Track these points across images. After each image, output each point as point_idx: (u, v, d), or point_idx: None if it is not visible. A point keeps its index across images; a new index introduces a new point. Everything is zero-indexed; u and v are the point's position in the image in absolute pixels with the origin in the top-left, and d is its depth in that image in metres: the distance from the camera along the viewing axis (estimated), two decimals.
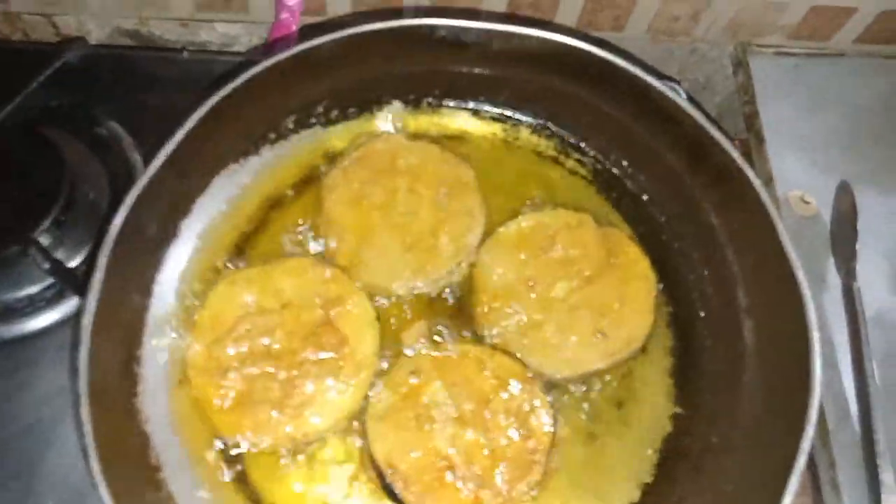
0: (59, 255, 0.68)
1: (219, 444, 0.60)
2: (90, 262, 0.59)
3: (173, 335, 0.61)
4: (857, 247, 0.71)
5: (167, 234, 0.63)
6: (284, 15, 0.80)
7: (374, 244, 0.65)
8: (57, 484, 0.62)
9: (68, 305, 0.68)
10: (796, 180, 0.79)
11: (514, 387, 0.60)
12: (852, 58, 0.86)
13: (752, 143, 0.80)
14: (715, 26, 0.84)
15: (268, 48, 0.80)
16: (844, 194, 0.72)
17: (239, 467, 0.59)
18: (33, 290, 0.68)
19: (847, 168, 0.78)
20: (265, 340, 0.61)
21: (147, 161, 0.58)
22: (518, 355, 0.62)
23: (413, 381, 0.61)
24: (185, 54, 0.80)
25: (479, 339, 0.63)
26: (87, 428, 0.49)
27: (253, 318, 0.61)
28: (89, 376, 0.50)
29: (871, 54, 0.85)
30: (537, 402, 0.60)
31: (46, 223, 0.67)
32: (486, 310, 0.64)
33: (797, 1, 0.80)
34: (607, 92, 0.66)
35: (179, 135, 0.57)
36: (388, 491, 0.58)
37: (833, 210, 0.74)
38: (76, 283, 0.66)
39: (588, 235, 0.65)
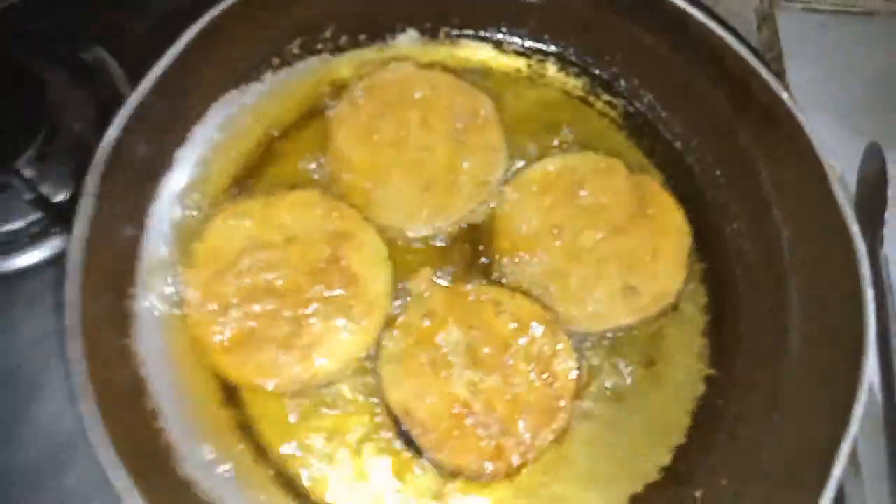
0: (44, 189, 0.64)
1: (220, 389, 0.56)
2: (78, 191, 0.53)
3: (169, 271, 0.57)
4: (886, 215, 0.67)
5: (161, 164, 0.58)
6: None
7: (388, 183, 0.61)
8: (42, 432, 0.59)
9: (54, 243, 0.64)
10: (820, 142, 0.75)
11: (535, 329, 0.57)
12: (883, 17, 0.81)
13: None
14: None
15: None
16: (873, 158, 0.68)
17: (242, 415, 0.55)
18: (16, 225, 0.65)
19: (873, 132, 0.74)
20: (268, 276, 0.57)
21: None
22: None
23: (426, 323, 0.57)
24: None
25: (496, 282, 0.60)
26: (79, 367, 0.44)
27: (255, 252, 0.58)
28: (80, 312, 0.44)
29: None
30: (560, 346, 0.57)
31: (28, 154, 0.63)
32: (506, 257, 0.60)
33: None
34: (643, 21, 0.63)
35: (172, 53, 0.53)
36: (405, 438, 0.55)
37: (859, 174, 0.70)
38: (62, 217, 0.62)
39: (618, 182, 0.62)
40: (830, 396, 0.49)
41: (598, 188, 0.61)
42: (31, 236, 0.64)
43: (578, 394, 0.57)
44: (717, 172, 0.64)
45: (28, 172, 0.63)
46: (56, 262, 0.62)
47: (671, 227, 0.61)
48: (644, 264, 0.59)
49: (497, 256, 0.60)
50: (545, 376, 0.56)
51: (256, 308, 0.56)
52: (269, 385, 0.55)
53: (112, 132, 0.51)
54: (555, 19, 0.66)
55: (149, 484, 0.46)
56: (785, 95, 0.55)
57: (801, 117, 0.55)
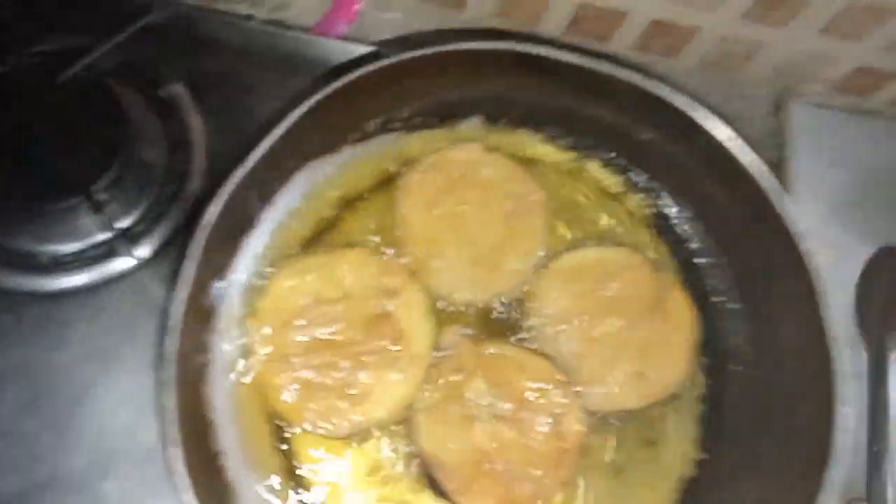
0: (110, 213, 0.68)
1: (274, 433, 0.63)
2: (181, 250, 0.60)
3: (238, 324, 0.64)
4: None
5: (247, 224, 0.65)
6: None
7: (442, 252, 0.68)
8: (88, 442, 0.64)
9: (111, 266, 0.69)
10: (813, 230, 0.83)
11: (551, 390, 0.65)
12: (887, 119, 0.89)
13: None
14: (764, 67, 0.87)
15: (324, 25, 0.79)
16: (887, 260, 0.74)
17: (290, 457, 0.63)
18: (81, 246, 0.69)
19: (863, 229, 0.83)
20: (326, 329, 0.64)
21: (238, 149, 0.60)
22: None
23: (455, 377, 0.64)
24: (253, 23, 0.79)
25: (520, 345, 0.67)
26: (171, 416, 0.51)
27: (314, 307, 0.64)
28: (175, 366, 0.52)
29: None
30: (570, 406, 0.65)
31: (106, 180, 0.67)
32: (533, 331, 0.67)
33: (847, 57, 0.83)
34: (682, 142, 0.69)
35: (282, 127, 0.59)
36: (430, 480, 0.63)
37: (867, 272, 0.76)
38: (128, 243, 0.67)
39: (644, 277, 0.69)
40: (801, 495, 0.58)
41: (625, 281, 0.69)
42: (93, 258, 0.68)
43: (583, 450, 0.65)
44: (729, 281, 0.72)
45: (100, 196, 0.67)
46: (110, 284, 0.67)
47: (684, 324, 0.69)
48: (656, 355, 0.67)
49: (525, 327, 0.68)
50: (556, 431, 0.64)
51: (315, 360, 0.63)
52: (326, 429, 0.62)
53: (219, 200, 0.58)
54: (603, 127, 0.73)
55: None
56: (802, 227, 0.63)
57: (811, 251, 0.63)
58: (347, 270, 0.66)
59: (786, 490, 0.60)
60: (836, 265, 0.77)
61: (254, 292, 0.66)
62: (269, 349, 0.63)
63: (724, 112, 0.89)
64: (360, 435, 0.64)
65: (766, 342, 0.68)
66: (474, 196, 0.69)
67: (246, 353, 0.63)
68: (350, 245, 0.68)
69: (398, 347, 0.64)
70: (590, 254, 0.70)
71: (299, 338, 0.64)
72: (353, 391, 0.63)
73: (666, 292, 0.69)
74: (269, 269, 0.66)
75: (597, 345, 0.67)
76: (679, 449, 0.67)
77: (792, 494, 0.59)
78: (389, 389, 0.63)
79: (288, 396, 0.62)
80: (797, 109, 0.89)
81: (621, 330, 0.67)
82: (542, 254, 0.69)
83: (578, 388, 0.66)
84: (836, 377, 0.58)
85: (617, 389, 0.66)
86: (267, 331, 0.64)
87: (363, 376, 0.63)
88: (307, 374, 0.63)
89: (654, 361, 0.67)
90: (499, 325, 0.68)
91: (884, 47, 0.79)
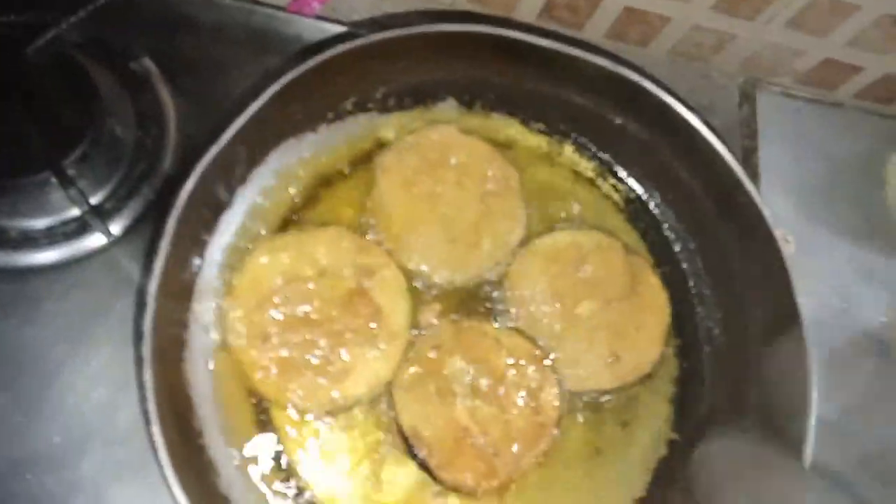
0: (80, 188, 0.67)
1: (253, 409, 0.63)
2: (156, 227, 0.59)
3: (215, 300, 0.63)
4: None
5: (223, 202, 0.64)
6: None
7: (420, 232, 0.68)
8: (63, 420, 0.63)
9: (85, 242, 0.68)
10: (780, 218, 0.85)
11: (528, 366, 0.66)
12: (848, 110, 0.92)
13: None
14: (733, 59, 0.88)
15: (298, 3, 0.79)
16: None
17: (273, 434, 0.63)
18: (52, 221, 0.67)
19: (826, 215, 0.86)
20: (303, 308, 0.64)
21: (212, 126, 0.59)
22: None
23: (434, 355, 0.65)
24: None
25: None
26: (150, 393, 0.51)
27: (290, 285, 0.64)
28: (152, 343, 0.51)
29: (866, 110, 0.92)
30: (546, 380, 0.66)
31: (76, 154, 0.66)
32: (512, 314, 0.69)
33: (813, 50, 0.85)
34: (656, 127, 0.71)
35: (251, 111, 0.57)
36: (412, 456, 0.64)
37: None
38: (99, 219, 0.66)
39: (617, 260, 0.70)
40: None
41: (598, 264, 0.70)
42: (64, 234, 0.67)
43: (558, 422, 0.67)
44: (699, 263, 0.74)
45: (71, 171, 0.66)
46: (81, 260, 0.66)
47: (656, 306, 0.70)
48: (629, 336, 0.69)
49: (502, 310, 0.69)
50: (533, 406, 0.66)
51: (293, 337, 0.63)
52: (306, 406, 0.62)
53: (194, 177, 0.57)
54: (577, 113, 0.74)
55: (197, 499, 0.53)
56: (767, 213, 0.64)
57: (778, 233, 0.64)
58: (323, 248, 0.66)
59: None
60: (800, 251, 0.80)
61: (230, 270, 0.65)
62: (245, 328, 0.63)
63: (695, 102, 0.92)
64: (341, 411, 0.64)
65: (736, 324, 0.69)
66: (451, 177, 0.70)
67: (224, 331, 0.63)
68: (325, 223, 0.68)
69: (375, 325, 0.64)
70: (564, 237, 0.71)
71: (276, 315, 0.64)
72: (332, 368, 0.63)
73: (639, 275, 0.71)
74: (245, 246, 0.65)
75: (572, 326, 0.68)
76: (653, 429, 0.69)
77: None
78: (368, 366, 0.64)
79: (267, 375, 0.62)
80: (765, 100, 0.91)
81: (596, 311, 0.69)
82: (518, 235, 0.70)
83: (554, 364, 0.67)
84: (807, 359, 0.60)
85: (591, 370, 0.67)
86: (243, 309, 0.63)
87: (342, 354, 0.63)
88: (285, 353, 0.63)
89: (628, 342, 0.68)
90: (476, 306, 0.69)
91: (847, 42, 0.82)
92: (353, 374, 0.63)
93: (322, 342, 0.63)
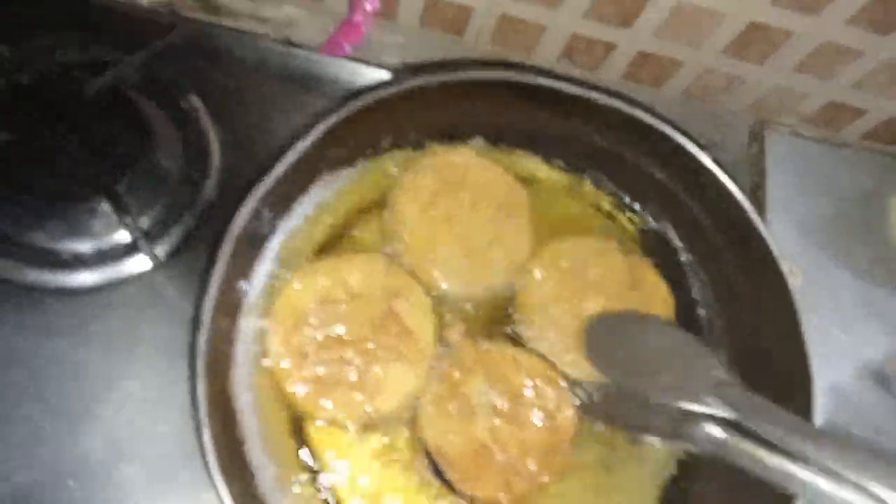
0: (131, 213, 0.71)
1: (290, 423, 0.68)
2: (210, 253, 0.64)
3: (257, 320, 0.68)
4: None
5: (267, 231, 0.69)
6: (357, 17, 0.84)
7: (437, 247, 0.73)
8: (105, 432, 0.66)
9: (130, 266, 0.72)
10: (787, 252, 0.89)
11: (545, 386, 0.70)
12: (854, 149, 0.96)
13: None
14: (742, 100, 0.93)
15: (331, 45, 0.85)
16: None
17: (305, 445, 0.67)
18: (101, 245, 0.71)
19: (832, 253, 0.89)
20: (337, 329, 0.68)
21: (259, 162, 0.65)
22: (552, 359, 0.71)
23: (457, 374, 0.69)
24: (265, 41, 0.84)
25: (516, 341, 0.73)
26: (202, 404, 0.55)
27: (324, 307, 0.68)
28: (206, 359, 0.56)
29: (871, 149, 0.96)
30: (562, 401, 0.70)
31: (126, 182, 0.70)
32: (526, 321, 0.73)
33: (818, 93, 0.90)
34: (669, 165, 0.75)
35: (304, 144, 0.64)
36: (435, 471, 0.67)
37: None
38: (147, 243, 0.70)
39: (616, 260, 0.76)
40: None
41: (599, 266, 0.75)
42: (111, 258, 0.71)
43: (574, 440, 0.70)
44: (711, 296, 0.78)
45: (122, 197, 0.70)
46: (128, 284, 0.70)
47: (658, 298, 0.75)
48: None
49: (518, 318, 0.74)
50: (549, 425, 0.69)
51: (328, 356, 0.67)
52: (340, 419, 0.67)
53: (244, 212, 0.62)
54: (588, 151, 0.79)
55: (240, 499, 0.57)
56: (774, 246, 0.68)
57: (784, 268, 0.68)
58: (356, 273, 0.70)
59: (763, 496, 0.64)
60: (806, 284, 0.84)
61: (271, 293, 0.70)
62: (284, 348, 0.67)
63: (706, 139, 0.96)
64: (372, 428, 0.68)
65: (745, 353, 0.73)
66: (466, 197, 0.75)
67: (264, 351, 0.67)
68: (357, 249, 0.73)
69: (404, 344, 0.68)
70: (565, 244, 0.76)
71: (312, 336, 0.68)
72: (365, 384, 0.67)
73: (639, 275, 0.75)
74: (284, 271, 0.70)
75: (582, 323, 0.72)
76: (662, 448, 0.71)
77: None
78: (399, 381, 0.68)
79: (303, 391, 0.66)
80: (773, 139, 0.95)
81: (603, 306, 0.73)
82: (527, 250, 0.75)
83: (566, 362, 0.71)
84: (812, 389, 0.63)
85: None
86: (281, 330, 0.68)
87: (374, 370, 0.67)
88: (320, 370, 0.67)
89: None
90: (497, 328, 0.74)
91: (852, 86, 0.86)
92: (386, 389, 0.67)
93: (355, 360, 0.67)
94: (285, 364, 0.67)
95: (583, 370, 0.71)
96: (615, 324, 0.71)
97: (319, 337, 0.68)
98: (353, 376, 0.67)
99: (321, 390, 0.66)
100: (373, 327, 0.68)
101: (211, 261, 0.60)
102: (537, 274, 0.74)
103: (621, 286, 0.74)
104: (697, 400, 0.57)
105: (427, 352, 0.69)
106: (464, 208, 0.74)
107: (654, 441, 0.71)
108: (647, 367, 0.66)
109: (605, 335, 0.69)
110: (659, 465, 0.72)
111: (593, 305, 0.73)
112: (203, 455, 0.56)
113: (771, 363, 0.70)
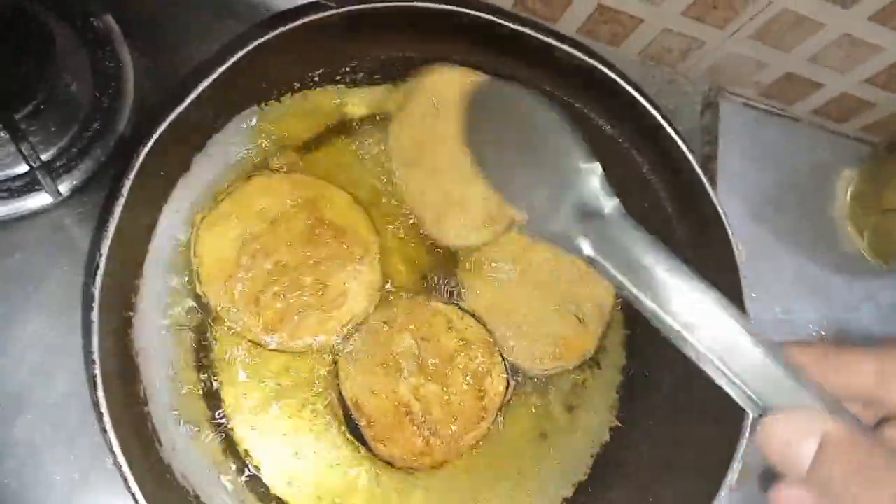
0: (32, 143, 0.64)
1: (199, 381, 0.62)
2: (110, 189, 0.57)
3: (171, 269, 0.63)
4: None
5: (179, 167, 0.62)
6: None
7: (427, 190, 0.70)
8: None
9: (30, 202, 0.66)
10: (733, 225, 0.87)
11: (477, 349, 0.67)
12: (805, 125, 0.94)
13: None
14: (699, 66, 0.90)
15: None
16: None
17: (221, 411, 0.62)
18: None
19: (777, 227, 0.88)
20: (274, 259, 0.64)
21: (173, 89, 0.57)
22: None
23: (385, 328, 0.66)
24: None
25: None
26: (97, 357, 0.49)
27: (251, 245, 0.64)
28: (98, 305, 0.50)
29: (822, 126, 0.94)
30: (494, 366, 0.67)
31: (28, 108, 0.64)
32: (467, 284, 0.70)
33: (776, 64, 0.87)
34: (623, 123, 0.73)
35: (221, 70, 0.57)
36: (352, 427, 0.64)
37: None
38: (49, 178, 0.64)
39: None
40: (715, 464, 0.60)
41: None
42: (7, 191, 0.65)
43: (502, 409, 0.67)
44: None
45: (23, 125, 0.64)
46: (25, 220, 0.65)
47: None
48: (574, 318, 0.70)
49: (461, 282, 0.70)
50: (478, 389, 0.66)
51: (278, 289, 0.64)
52: (320, 341, 0.64)
53: (150, 141, 0.55)
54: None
55: (139, 464, 0.51)
56: (726, 220, 0.66)
57: (734, 240, 0.66)
58: (260, 200, 0.65)
59: (700, 458, 0.62)
60: (749, 258, 0.82)
61: (185, 239, 0.64)
62: (230, 300, 0.63)
63: (661, 105, 0.93)
64: (290, 388, 0.64)
65: None
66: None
67: (213, 312, 0.63)
68: None
69: (347, 243, 0.66)
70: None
71: (252, 277, 0.64)
72: (328, 297, 0.64)
73: None
74: (201, 214, 0.64)
75: (525, 306, 0.69)
76: (597, 415, 0.70)
77: (704, 465, 0.61)
78: (360, 279, 0.65)
79: (270, 331, 0.63)
80: (727, 109, 0.93)
81: (547, 292, 0.70)
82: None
83: (503, 348, 0.68)
84: None
85: (540, 350, 0.69)
86: (219, 286, 0.63)
87: (331, 280, 0.65)
88: (279, 304, 0.64)
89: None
90: (437, 284, 0.70)
91: (809, 58, 0.84)
92: (352, 292, 0.65)
93: (307, 280, 0.64)
94: (243, 316, 0.63)
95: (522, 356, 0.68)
96: (495, 98, 0.59)
97: (259, 274, 0.64)
98: (313, 296, 0.64)
99: (289, 323, 0.63)
100: (307, 242, 0.65)
101: (111, 197, 0.53)
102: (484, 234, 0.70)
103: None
104: (565, 240, 0.48)
105: (370, 240, 0.66)
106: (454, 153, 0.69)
107: None
108: (517, 176, 0.54)
109: (484, 113, 0.58)
110: (593, 432, 0.70)
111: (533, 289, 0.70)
112: (98, 413, 0.49)
113: None
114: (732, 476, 0.58)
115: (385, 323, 0.66)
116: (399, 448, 0.64)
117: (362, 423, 0.64)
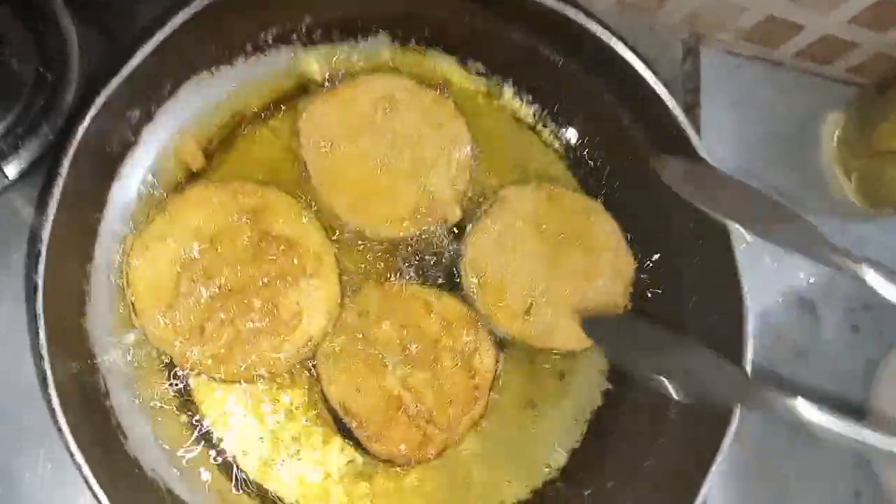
0: None
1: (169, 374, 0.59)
2: (50, 170, 0.52)
3: (123, 255, 0.58)
4: None
5: (127, 140, 0.58)
6: None
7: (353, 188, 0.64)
8: None
9: None
10: None
11: (460, 327, 0.63)
12: (788, 70, 0.91)
13: None
14: (678, 12, 0.86)
15: None
16: None
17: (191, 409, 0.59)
18: None
19: (762, 175, 0.85)
20: (217, 282, 0.59)
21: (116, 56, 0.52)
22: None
23: (361, 322, 0.62)
24: None
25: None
26: (45, 351, 0.45)
27: (190, 268, 0.59)
28: (43, 295, 0.46)
29: (805, 70, 0.91)
30: (481, 342, 0.64)
31: None
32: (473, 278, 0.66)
33: (757, 7, 0.84)
34: (601, 73, 0.68)
35: (163, 33, 0.52)
36: (342, 430, 0.61)
37: None
38: None
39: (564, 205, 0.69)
40: (706, 432, 0.59)
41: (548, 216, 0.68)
42: None
43: (493, 386, 0.65)
44: (639, 213, 0.71)
45: None
46: None
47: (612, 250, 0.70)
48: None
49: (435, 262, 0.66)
50: (467, 370, 0.63)
51: (225, 315, 0.58)
52: (277, 369, 0.59)
53: (90, 115, 0.51)
54: (510, 52, 0.70)
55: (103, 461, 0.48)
56: (708, 161, 0.62)
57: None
58: (196, 215, 0.60)
59: (691, 427, 0.60)
60: None
61: (143, 213, 0.60)
62: (173, 334, 0.58)
63: (640, 54, 0.89)
64: (275, 385, 0.61)
65: (673, 278, 0.68)
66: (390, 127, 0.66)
67: (154, 345, 0.58)
68: (240, 171, 0.63)
69: (294, 255, 0.60)
70: (510, 191, 0.68)
71: (194, 305, 0.59)
72: (283, 319, 0.59)
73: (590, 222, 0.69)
74: (152, 193, 0.61)
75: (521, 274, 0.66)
76: (588, 381, 0.68)
77: (697, 432, 0.59)
78: (313, 297, 0.60)
79: (224, 364, 0.58)
80: (708, 56, 0.89)
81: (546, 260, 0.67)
82: (459, 188, 0.67)
83: (489, 322, 0.65)
84: (744, 313, 0.58)
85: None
86: (157, 318, 0.58)
87: (282, 301, 0.59)
88: (226, 332, 0.58)
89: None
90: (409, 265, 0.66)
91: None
92: (307, 311, 0.59)
93: (256, 302, 0.58)
94: (185, 349, 0.58)
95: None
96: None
97: (203, 302, 0.58)
98: (264, 320, 0.58)
99: (240, 352, 0.58)
100: (252, 259, 0.59)
101: (50, 177, 0.48)
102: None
103: (567, 236, 0.68)
104: None
105: (324, 250, 0.61)
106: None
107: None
108: None
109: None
110: (584, 397, 0.68)
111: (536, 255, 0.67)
112: (52, 413, 0.46)
113: (706, 289, 0.66)
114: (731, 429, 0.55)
115: (360, 315, 0.62)
116: (397, 444, 0.61)
117: (353, 425, 0.61)
